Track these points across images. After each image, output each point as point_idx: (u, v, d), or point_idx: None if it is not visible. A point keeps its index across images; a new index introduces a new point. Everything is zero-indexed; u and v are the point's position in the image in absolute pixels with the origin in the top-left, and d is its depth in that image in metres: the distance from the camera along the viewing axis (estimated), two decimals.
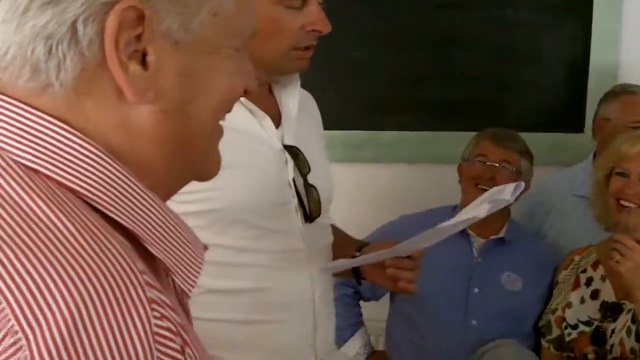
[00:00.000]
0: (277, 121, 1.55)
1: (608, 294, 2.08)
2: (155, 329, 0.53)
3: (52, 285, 0.51)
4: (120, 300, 0.52)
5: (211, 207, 1.42)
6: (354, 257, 1.68)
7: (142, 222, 0.61)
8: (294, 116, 1.58)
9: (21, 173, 0.57)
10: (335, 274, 1.71)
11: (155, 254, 0.62)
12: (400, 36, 2.84)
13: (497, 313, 2.26)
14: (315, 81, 2.67)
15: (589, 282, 2.15)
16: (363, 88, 2.86)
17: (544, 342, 2.20)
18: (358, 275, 1.73)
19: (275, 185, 1.51)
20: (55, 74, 0.59)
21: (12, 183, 0.57)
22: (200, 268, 0.68)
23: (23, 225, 0.54)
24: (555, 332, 2.16)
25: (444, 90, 2.86)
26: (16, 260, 0.52)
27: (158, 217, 0.63)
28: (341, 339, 2.38)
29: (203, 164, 0.74)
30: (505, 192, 1.60)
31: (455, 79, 2.86)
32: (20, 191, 0.56)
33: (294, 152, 1.54)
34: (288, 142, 1.54)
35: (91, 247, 0.54)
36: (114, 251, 0.54)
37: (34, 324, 0.50)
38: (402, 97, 2.86)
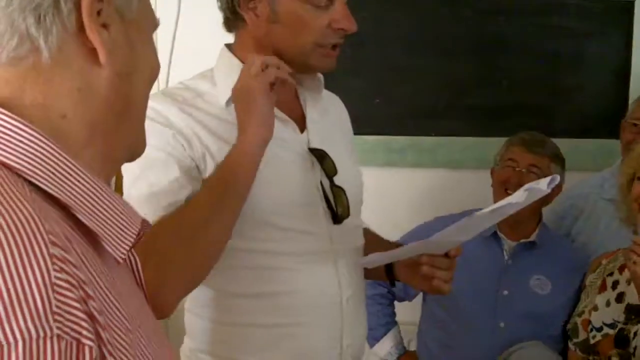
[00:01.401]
0: (303, 125, 1.58)
1: (633, 296, 2.07)
2: (54, 280, 0.59)
3: None
4: (23, 253, 0.59)
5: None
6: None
7: (72, 194, 0.69)
8: (319, 119, 1.61)
9: None
10: (368, 276, 1.71)
11: (83, 220, 0.70)
12: (446, 43, 2.88)
13: (525, 315, 2.28)
14: (361, 87, 2.77)
15: (615, 285, 2.15)
16: (409, 94, 2.89)
17: (570, 345, 2.20)
18: (392, 276, 1.72)
19: (301, 188, 1.53)
20: (44, 40, 0.69)
21: None
22: (132, 238, 0.75)
23: None
24: (582, 335, 2.16)
25: (489, 96, 2.89)
26: None
27: (89, 189, 0.71)
28: (373, 338, 2.43)
29: (139, 132, 0.84)
30: (541, 184, 1.54)
31: (500, 84, 2.89)
32: None
33: (320, 154, 1.56)
34: (314, 146, 1.57)
35: (6, 210, 0.61)
36: (25, 213, 0.61)
37: None
38: (447, 103, 2.90)
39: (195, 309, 1.59)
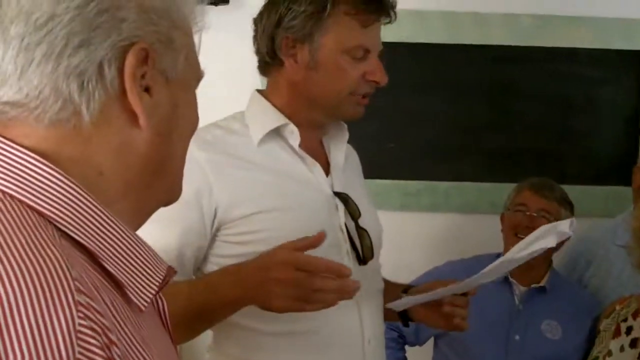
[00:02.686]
0: (326, 170, 1.64)
1: None
2: (78, 328, 0.60)
3: None
4: (49, 300, 0.60)
5: (260, 249, 1.45)
6: (404, 291, 1.72)
7: (99, 241, 0.71)
8: (341, 166, 1.66)
9: None
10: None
11: (109, 269, 0.71)
12: (459, 88, 2.92)
13: None
14: (375, 131, 2.80)
15: (629, 330, 2.14)
16: (421, 138, 2.93)
17: None
18: (406, 317, 1.76)
19: (327, 229, 1.53)
20: (86, 105, 0.71)
21: None
22: (156, 286, 0.76)
23: None
24: None
25: (501, 141, 2.92)
26: None
27: (117, 237, 0.73)
28: None
29: (175, 185, 0.86)
30: (563, 227, 1.58)
31: (512, 129, 2.92)
32: None
33: (343, 198, 1.61)
34: (337, 189, 1.62)
35: (34, 255, 0.62)
36: (53, 259, 0.63)
37: None
38: (459, 148, 2.93)
39: (219, 346, 1.61)
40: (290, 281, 1.35)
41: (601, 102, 2.89)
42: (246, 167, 1.54)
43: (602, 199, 2.86)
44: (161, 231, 1.39)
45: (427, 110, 2.93)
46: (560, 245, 2.30)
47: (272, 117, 1.59)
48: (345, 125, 1.70)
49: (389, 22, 1.58)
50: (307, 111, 1.59)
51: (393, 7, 1.57)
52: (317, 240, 1.38)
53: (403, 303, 1.68)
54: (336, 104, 1.58)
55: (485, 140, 2.93)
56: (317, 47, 1.54)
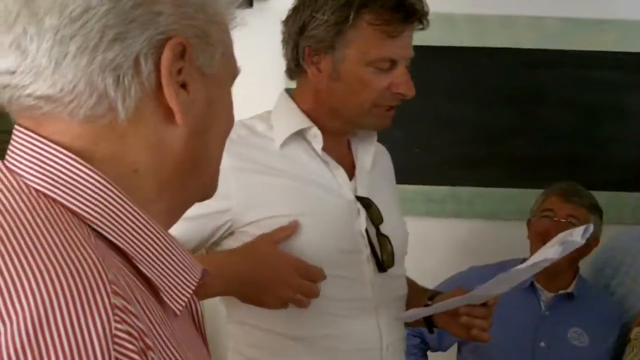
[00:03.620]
0: (352, 173, 1.61)
1: None
2: (115, 332, 0.59)
3: (25, 285, 0.59)
4: (85, 303, 0.59)
5: None
6: (426, 305, 1.69)
7: (135, 243, 0.70)
8: (368, 169, 1.63)
9: (29, 195, 0.67)
10: (407, 322, 1.72)
11: (144, 271, 0.70)
12: (486, 93, 2.88)
13: None
14: (400, 137, 2.78)
15: None
16: (447, 144, 2.90)
17: None
18: (430, 323, 1.74)
19: (346, 234, 1.55)
20: (122, 101, 0.69)
21: (19, 202, 0.67)
22: (191, 289, 0.75)
23: (17, 234, 0.63)
24: None
25: (528, 147, 2.88)
26: (2, 262, 0.61)
27: (152, 240, 0.71)
28: None
29: (209, 184, 0.84)
30: (575, 235, 1.56)
31: (538, 135, 2.87)
32: (24, 208, 0.66)
33: (366, 203, 1.58)
34: (361, 194, 1.59)
35: (69, 256, 0.61)
36: (90, 261, 0.62)
37: (5, 319, 0.57)
38: (486, 153, 2.89)
39: (239, 348, 1.61)
40: (295, 286, 1.43)
41: (629, 107, 2.84)
42: (265, 171, 1.52)
43: (629, 206, 2.81)
44: None
45: (453, 115, 2.89)
46: (587, 251, 2.27)
47: (297, 119, 1.57)
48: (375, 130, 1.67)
49: (422, 29, 1.53)
50: (330, 119, 1.57)
51: (424, 14, 1.51)
52: (290, 228, 1.46)
53: (410, 315, 1.66)
54: (359, 116, 1.55)
55: (511, 145, 2.89)
56: (340, 58, 1.50)
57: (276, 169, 1.54)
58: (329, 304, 1.53)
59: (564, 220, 2.29)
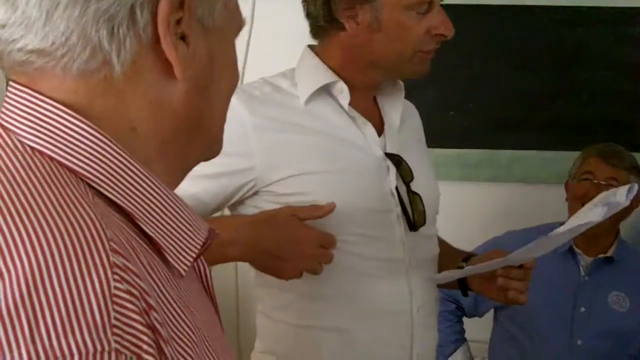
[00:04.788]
0: (380, 130, 1.57)
1: None
2: (114, 291, 0.56)
3: (19, 244, 0.56)
4: (82, 261, 0.56)
5: None
6: (460, 267, 1.65)
7: (136, 201, 0.66)
8: (397, 126, 1.60)
9: (24, 152, 0.64)
10: (440, 285, 1.69)
11: (147, 230, 0.67)
12: (523, 53, 2.81)
13: (603, 333, 2.20)
14: (435, 99, 2.73)
15: None
16: (482, 106, 2.83)
17: None
18: (464, 286, 1.70)
19: (375, 193, 1.52)
20: (117, 53, 0.65)
21: (14, 160, 0.63)
22: (197, 249, 0.71)
23: (12, 193, 0.60)
24: None
25: (567, 109, 2.80)
26: None
27: (155, 197, 0.68)
28: (442, 355, 2.35)
29: (213, 143, 0.80)
30: (619, 195, 1.52)
31: (578, 96, 2.79)
32: (19, 166, 0.63)
33: (396, 160, 1.55)
34: (390, 151, 1.56)
35: (66, 214, 0.58)
36: (87, 219, 0.59)
37: None
38: (524, 115, 2.82)
39: (269, 311, 1.59)
40: (316, 257, 1.41)
41: None
42: (290, 129, 1.49)
43: None
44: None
45: (489, 76, 2.82)
46: (628, 213, 2.21)
47: (322, 75, 1.53)
48: (401, 83, 1.62)
49: None
50: (365, 73, 1.54)
51: None
52: (323, 210, 1.41)
53: (443, 277, 1.62)
54: (400, 64, 1.52)
55: (549, 107, 2.81)
56: (379, 6, 1.46)
57: (301, 126, 1.50)
58: (358, 263, 1.50)
59: (603, 183, 2.22)
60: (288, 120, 1.50)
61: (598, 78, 2.78)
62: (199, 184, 1.41)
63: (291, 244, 1.41)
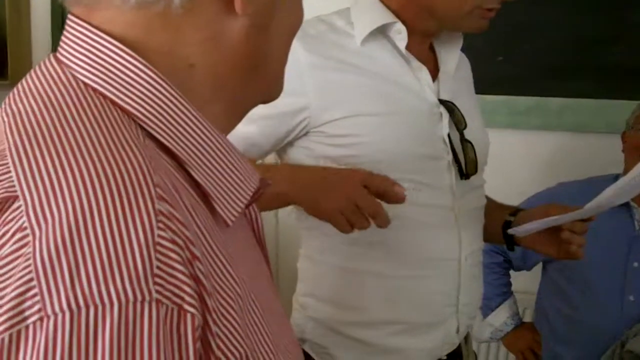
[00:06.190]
0: (434, 76, 1.55)
1: None
2: (157, 240, 0.54)
3: (65, 186, 0.55)
4: (127, 208, 0.54)
5: (357, 153, 1.43)
6: (507, 221, 1.63)
7: (187, 146, 0.65)
8: (452, 73, 1.57)
9: (77, 89, 0.63)
10: (484, 238, 1.65)
11: (196, 177, 0.65)
12: None
13: None
14: (482, 44, 2.63)
15: None
16: (532, 52, 2.74)
17: None
18: (511, 241, 1.66)
19: (427, 139, 1.50)
20: None
21: (66, 95, 0.62)
22: (246, 199, 0.69)
23: (61, 131, 0.59)
24: None
25: (622, 55, 2.68)
26: (42, 161, 0.57)
27: (207, 143, 0.66)
28: (488, 308, 2.35)
29: (273, 86, 0.77)
30: None
31: (633, 42, 2.68)
32: (70, 103, 0.61)
33: (449, 107, 1.52)
34: (444, 97, 1.53)
35: (114, 157, 0.57)
36: (135, 162, 0.57)
37: (41, 222, 0.54)
38: (575, 62, 2.72)
39: (313, 254, 1.56)
40: (357, 199, 1.29)
41: None
42: (345, 69, 1.45)
43: None
44: None
45: (539, 21, 2.72)
46: None
47: (380, 15, 1.49)
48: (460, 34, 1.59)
49: None
50: (422, 19, 1.50)
51: None
52: (398, 196, 1.30)
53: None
54: (457, 17, 1.48)
55: (602, 54, 2.70)
56: None
57: (356, 67, 1.47)
58: (407, 210, 1.45)
59: None
60: (343, 60, 1.46)
61: None
62: (253, 125, 1.40)
63: (336, 177, 1.36)
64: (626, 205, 2.19)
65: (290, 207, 1.54)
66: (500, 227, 1.65)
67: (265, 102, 0.77)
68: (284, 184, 1.36)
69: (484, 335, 2.42)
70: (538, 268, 2.36)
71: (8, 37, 3.07)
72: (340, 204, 1.30)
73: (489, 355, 2.84)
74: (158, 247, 0.54)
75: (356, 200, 1.29)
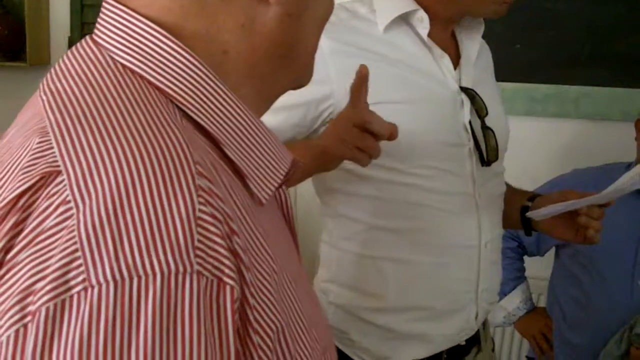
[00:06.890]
0: (456, 63, 1.55)
1: None
2: (198, 214, 0.56)
3: (107, 162, 0.56)
4: (168, 183, 0.56)
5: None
6: (525, 206, 1.65)
7: (223, 127, 0.66)
8: (473, 60, 1.57)
9: (115, 70, 0.65)
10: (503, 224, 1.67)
11: (231, 156, 0.67)
12: None
13: None
14: (500, 32, 2.66)
15: None
16: (551, 40, 2.76)
17: None
18: (529, 225, 1.68)
19: (449, 126, 1.50)
20: None
21: (105, 77, 0.64)
22: (280, 179, 0.72)
23: (102, 111, 0.60)
24: None
25: (638, 45, 2.70)
26: (84, 138, 0.58)
27: (242, 124, 0.68)
28: (502, 293, 2.35)
29: (303, 73, 0.80)
30: None
31: None
32: (109, 84, 0.63)
33: (470, 94, 1.53)
34: (465, 84, 1.54)
35: (154, 135, 0.59)
36: (175, 140, 0.59)
37: (85, 195, 0.55)
38: (593, 50, 2.74)
39: (334, 240, 1.58)
40: (353, 140, 1.27)
41: None
42: (367, 56, 1.45)
43: None
44: None
45: (557, 8, 2.74)
46: None
47: (402, 2, 1.50)
48: (482, 20, 1.60)
49: None
50: (445, 7, 1.50)
51: None
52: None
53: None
54: (479, 4, 1.49)
55: (620, 42, 2.72)
56: None
57: (378, 54, 1.47)
58: (429, 197, 1.48)
59: None
60: (365, 47, 1.47)
61: None
62: (279, 115, 1.40)
63: (332, 125, 1.35)
64: (637, 191, 2.21)
65: (311, 195, 1.57)
66: (518, 211, 1.67)
67: (294, 88, 0.80)
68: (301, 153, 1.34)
69: (497, 319, 2.45)
70: (551, 254, 2.39)
71: (27, 21, 3.08)
72: (341, 152, 1.30)
73: (504, 340, 2.88)
74: (199, 222, 0.56)
75: (355, 142, 1.28)
